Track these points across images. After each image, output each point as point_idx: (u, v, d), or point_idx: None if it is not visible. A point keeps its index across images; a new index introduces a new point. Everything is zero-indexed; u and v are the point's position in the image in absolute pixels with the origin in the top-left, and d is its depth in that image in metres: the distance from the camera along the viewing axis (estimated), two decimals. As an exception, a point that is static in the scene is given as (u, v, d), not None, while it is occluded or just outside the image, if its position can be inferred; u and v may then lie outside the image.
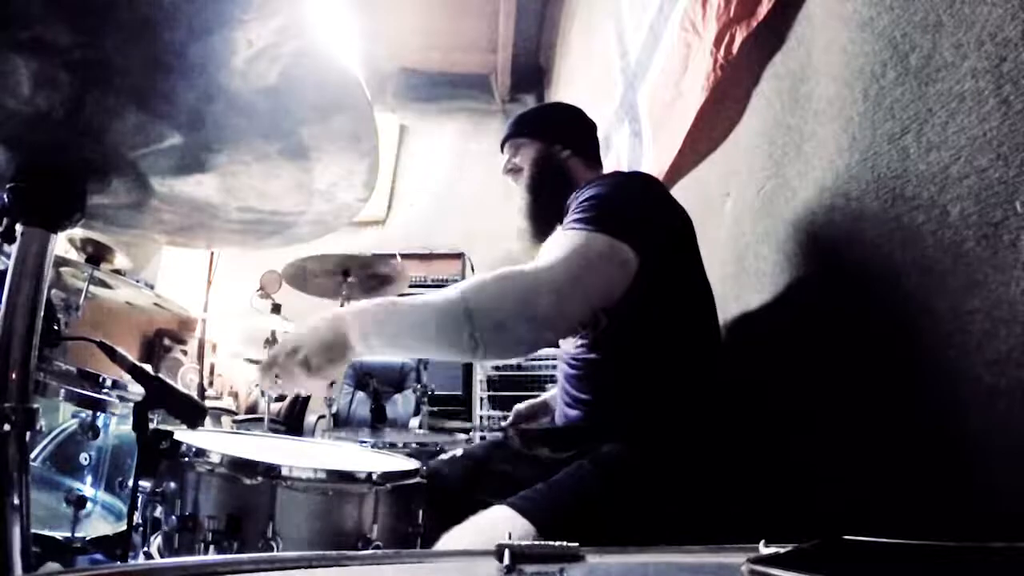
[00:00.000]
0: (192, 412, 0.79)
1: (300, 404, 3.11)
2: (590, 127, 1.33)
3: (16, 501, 0.53)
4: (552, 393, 1.48)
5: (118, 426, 1.39)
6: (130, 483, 1.28)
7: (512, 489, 0.90)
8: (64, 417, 1.32)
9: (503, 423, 1.38)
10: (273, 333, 2.47)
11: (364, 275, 2.38)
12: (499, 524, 0.81)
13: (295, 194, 0.69)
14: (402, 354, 0.89)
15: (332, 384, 0.96)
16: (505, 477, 1.10)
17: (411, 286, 3.66)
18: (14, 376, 0.55)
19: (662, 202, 1.10)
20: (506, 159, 1.28)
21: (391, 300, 0.92)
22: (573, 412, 1.11)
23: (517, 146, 1.27)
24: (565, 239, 0.95)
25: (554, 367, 1.23)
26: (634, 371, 1.03)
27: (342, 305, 2.44)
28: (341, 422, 2.92)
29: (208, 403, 3.30)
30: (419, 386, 2.26)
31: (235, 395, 4.04)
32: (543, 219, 1.21)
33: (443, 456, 1.24)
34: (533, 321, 0.88)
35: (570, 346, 1.13)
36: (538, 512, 0.82)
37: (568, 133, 1.27)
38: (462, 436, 1.89)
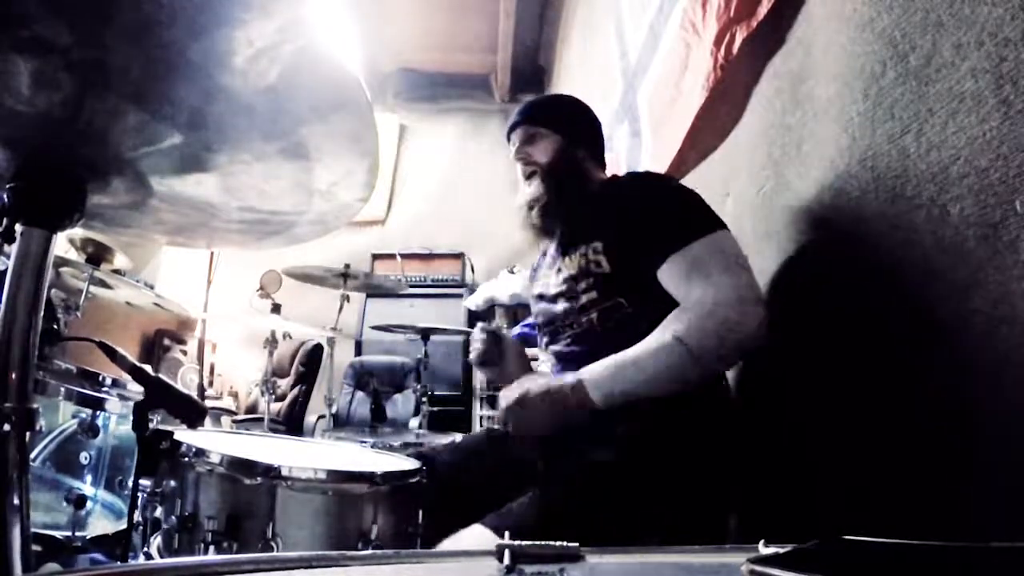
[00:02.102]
0: (192, 412, 0.79)
1: (300, 404, 3.12)
2: (599, 126, 1.33)
3: (16, 501, 0.53)
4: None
5: (118, 425, 1.39)
6: (130, 482, 1.28)
7: (509, 488, 0.90)
8: (64, 416, 1.32)
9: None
10: (273, 333, 2.47)
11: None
12: (476, 545, 0.81)
13: (295, 194, 0.69)
14: (631, 401, 0.98)
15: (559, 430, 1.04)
16: (501, 474, 1.10)
17: (411, 286, 3.67)
18: (14, 376, 0.55)
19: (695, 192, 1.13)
20: (518, 144, 1.25)
21: (617, 361, 0.98)
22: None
23: (532, 135, 1.24)
24: (704, 255, 0.99)
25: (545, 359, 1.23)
26: None
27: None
28: (341, 422, 2.92)
29: (208, 403, 3.31)
30: (419, 386, 2.27)
31: (235, 395, 4.04)
32: (556, 216, 1.21)
33: (441, 442, 1.24)
34: (746, 341, 0.96)
35: (566, 343, 1.13)
36: (515, 532, 0.82)
37: (586, 133, 1.27)
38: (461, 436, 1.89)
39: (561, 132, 1.23)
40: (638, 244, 1.04)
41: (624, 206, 1.09)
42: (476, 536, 0.83)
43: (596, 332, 1.08)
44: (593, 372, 0.99)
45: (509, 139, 1.28)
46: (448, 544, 0.83)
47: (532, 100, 1.31)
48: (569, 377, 1.00)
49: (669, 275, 1.01)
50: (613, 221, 1.09)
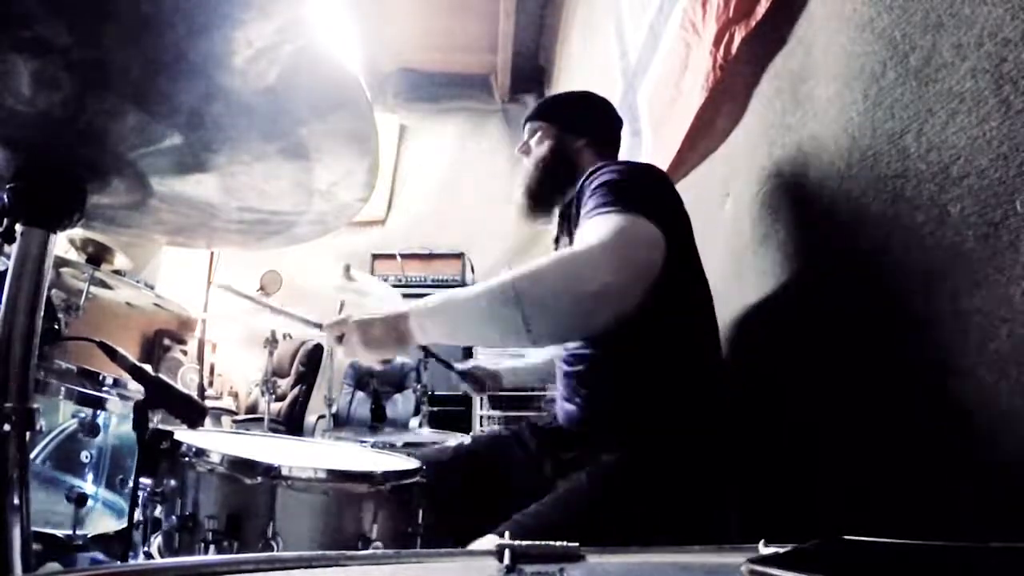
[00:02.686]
0: (192, 412, 0.79)
1: (300, 404, 3.12)
2: (612, 121, 1.34)
3: (16, 500, 0.53)
4: (510, 367, 1.49)
5: (118, 425, 1.39)
6: (131, 481, 1.28)
7: (509, 488, 0.90)
8: (64, 416, 1.32)
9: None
10: (273, 333, 2.47)
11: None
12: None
13: (295, 194, 0.69)
14: (461, 341, 0.99)
15: (389, 361, 1.05)
16: (503, 476, 1.10)
17: (411, 286, 3.67)
18: (14, 376, 0.55)
19: (672, 192, 1.11)
20: (524, 138, 1.31)
21: (448, 293, 0.97)
22: (572, 408, 1.11)
23: (536, 129, 1.29)
24: (603, 222, 0.93)
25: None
26: (632, 367, 1.03)
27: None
28: (341, 422, 2.92)
29: (208, 403, 3.31)
30: (419, 386, 2.27)
31: (235, 395, 4.04)
32: (542, 199, 1.26)
33: (442, 445, 1.24)
34: (583, 300, 0.87)
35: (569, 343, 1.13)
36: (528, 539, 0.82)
37: (585, 123, 1.28)
38: (461, 436, 1.89)
39: (557, 123, 1.27)
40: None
41: (583, 186, 1.07)
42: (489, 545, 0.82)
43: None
44: (421, 302, 0.96)
45: (524, 133, 1.33)
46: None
47: (544, 98, 1.38)
48: (400, 307, 0.99)
49: (576, 235, 0.98)
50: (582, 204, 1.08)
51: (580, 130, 1.26)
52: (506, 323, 0.87)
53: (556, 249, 1.23)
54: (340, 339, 1.02)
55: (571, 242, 1.11)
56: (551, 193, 1.24)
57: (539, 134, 1.28)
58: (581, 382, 1.10)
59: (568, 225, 1.17)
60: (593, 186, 1.02)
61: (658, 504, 0.92)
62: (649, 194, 1.02)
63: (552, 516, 0.88)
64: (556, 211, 1.27)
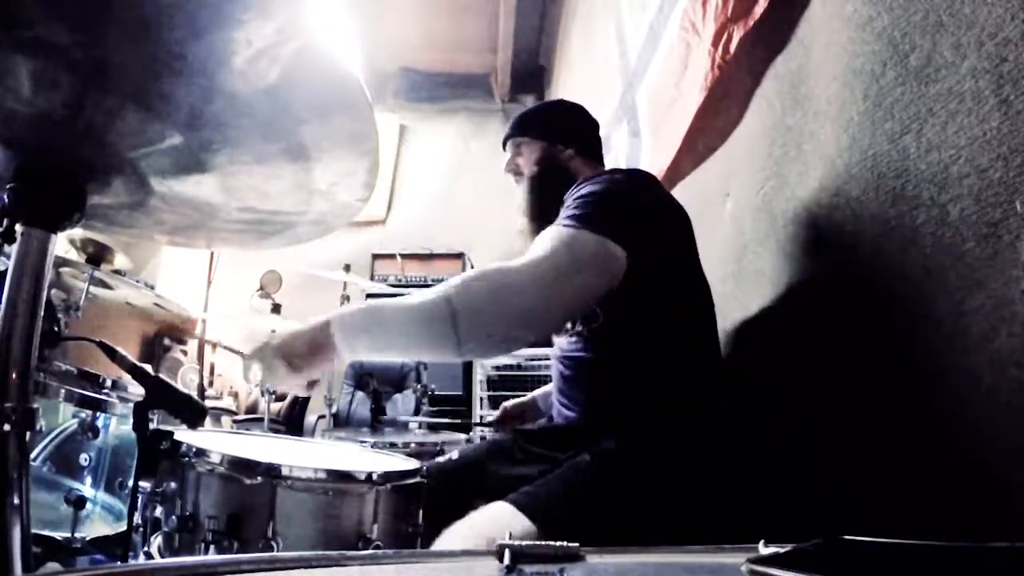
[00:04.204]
0: (192, 412, 0.79)
1: (300, 404, 3.11)
2: (592, 125, 1.33)
3: (16, 501, 0.53)
4: (542, 391, 1.49)
5: (118, 426, 1.39)
6: (130, 483, 1.28)
7: (510, 491, 0.90)
8: (64, 417, 1.32)
9: (492, 419, 1.40)
10: (273, 333, 2.47)
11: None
12: (498, 521, 0.82)
13: (295, 194, 0.69)
14: (388, 356, 0.91)
15: (314, 384, 0.96)
16: (503, 479, 1.10)
17: (411, 286, 3.67)
18: (14, 376, 0.55)
19: (658, 200, 1.10)
20: (508, 158, 1.28)
21: (376, 304, 0.92)
22: (569, 411, 1.11)
23: (518, 144, 1.26)
24: (552, 235, 0.94)
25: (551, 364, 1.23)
26: (629, 370, 1.03)
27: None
28: (341, 422, 2.92)
29: (208, 403, 3.30)
30: (419, 386, 2.27)
31: (235, 395, 4.04)
32: (544, 219, 1.20)
33: (440, 459, 1.24)
34: (515, 319, 0.87)
35: (565, 345, 1.13)
36: (537, 509, 0.83)
37: (570, 132, 1.27)
38: (461, 436, 1.89)
39: (543, 137, 1.25)
40: None
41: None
42: (497, 514, 0.83)
43: (584, 334, 1.08)
44: (345, 313, 0.91)
45: (505, 151, 1.30)
46: (474, 518, 0.82)
47: (521, 112, 1.33)
48: (321, 317, 0.92)
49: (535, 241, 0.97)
50: None
51: (567, 139, 1.25)
52: (438, 339, 0.85)
53: None
54: (255, 368, 0.91)
55: None
56: (551, 209, 1.18)
57: (524, 150, 1.25)
58: (579, 385, 1.10)
59: None
60: (572, 197, 1.01)
61: (657, 503, 0.92)
62: (623, 208, 0.99)
63: (558, 491, 0.88)
64: None
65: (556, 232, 0.94)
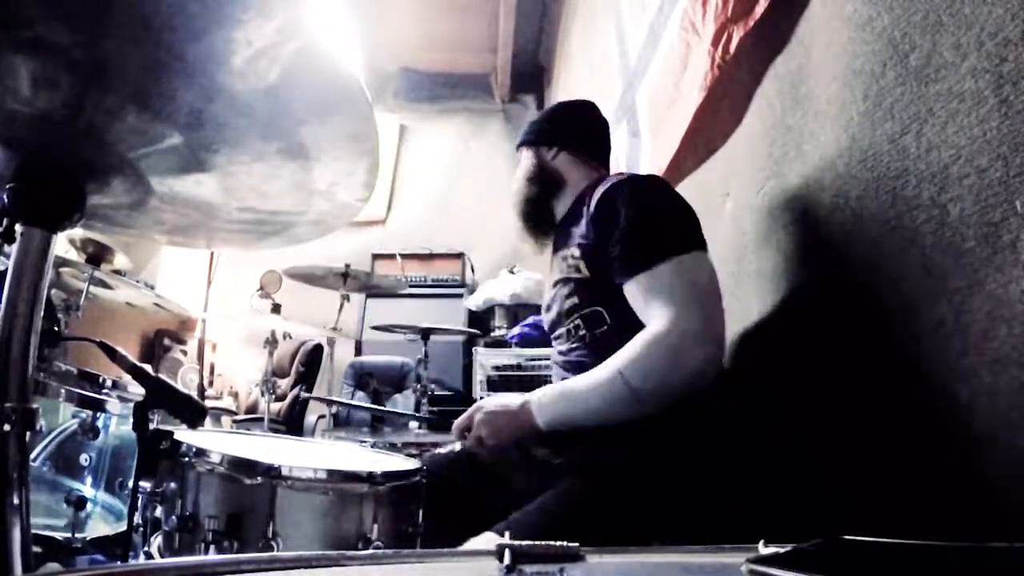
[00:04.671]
0: (192, 412, 0.79)
1: (300, 404, 3.11)
2: (590, 123, 1.33)
3: (16, 501, 0.53)
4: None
5: (118, 426, 1.38)
6: (130, 483, 1.28)
7: (509, 488, 0.90)
8: (64, 417, 1.32)
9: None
10: (273, 333, 2.47)
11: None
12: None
13: (295, 194, 0.69)
14: (577, 427, 1.00)
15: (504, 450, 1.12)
16: (504, 475, 1.10)
17: (411, 286, 3.67)
18: (14, 376, 0.55)
19: (681, 201, 1.11)
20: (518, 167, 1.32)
21: (563, 389, 1.02)
22: None
23: (519, 158, 1.31)
24: (665, 277, 0.97)
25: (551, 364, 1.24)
26: None
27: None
28: (341, 422, 2.92)
29: (208, 403, 3.30)
30: (419, 386, 2.27)
31: (235, 395, 4.04)
32: (533, 222, 1.28)
33: (442, 450, 1.24)
34: (690, 379, 0.94)
35: (564, 349, 1.13)
36: (525, 537, 0.82)
37: (557, 131, 1.28)
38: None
39: (531, 143, 1.29)
40: (608, 256, 1.03)
41: (597, 213, 1.07)
42: (487, 542, 0.83)
43: (586, 339, 1.08)
44: (540, 396, 1.02)
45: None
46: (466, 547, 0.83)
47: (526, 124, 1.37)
48: (518, 399, 1.04)
49: (632, 295, 1.01)
50: (589, 226, 1.09)
51: (551, 140, 1.27)
52: (623, 413, 0.95)
53: (552, 260, 1.22)
54: (466, 433, 1.08)
55: (566, 258, 1.12)
56: (542, 207, 1.25)
57: (523, 162, 1.30)
58: None
59: (565, 240, 1.16)
60: (617, 228, 1.02)
61: (657, 503, 0.92)
62: (676, 217, 1.06)
63: (552, 514, 0.89)
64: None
65: (658, 277, 0.97)
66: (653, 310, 0.96)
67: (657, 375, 0.93)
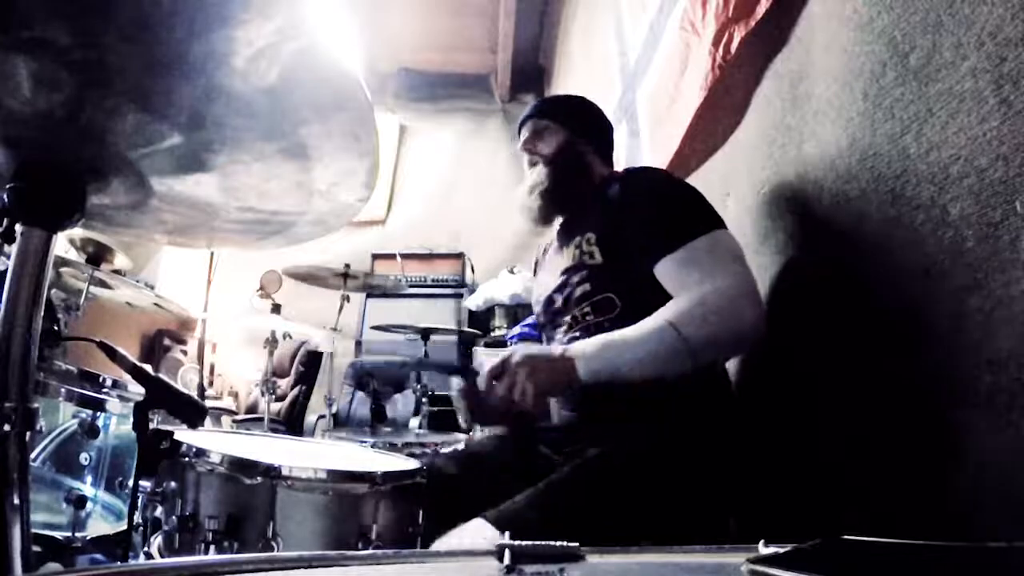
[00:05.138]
0: (192, 412, 0.79)
1: (300, 404, 3.12)
2: (609, 128, 1.35)
3: (16, 501, 0.53)
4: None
5: (118, 426, 1.38)
6: (130, 483, 1.28)
7: (509, 488, 0.90)
8: (64, 417, 1.32)
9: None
10: (273, 333, 2.47)
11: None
12: (475, 536, 0.81)
13: (295, 194, 0.69)
14: (622, 379, 0.96)
15: (543, 407, 1.02)
16: (506, 473, 1.10)
17: (411, 286, 3.67)
18: (14, 376, 0.55)
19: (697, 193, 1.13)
20: (526, 136, 1.28)
21: (607, 340, 0.97)
22: (569, 412, 1.11)
23: (541, 128, 1.27)
24: (703, 252, 1.00)
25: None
26: None
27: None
28: (341, 422, 2.92)
29: (208, 403, 3.30)
30: (419, 386, 2.26)
31: (235, 395, 4.04)
32: (556, 203, 1.24)
33: (446, 450, 1.24)
34: (743, 332, 0.96)
35: (566, 339, 1.13)
36: (511, 524, 0.82)
37: (593, 129, 1.30)
38: (461, 436, 1.89)
39: (568, 126, 1.26)
40: (634, 239, 1.04)
41: (621, 199, 1.10)
42: (475, 529, 0.83)
43: (591, 328, 1.08)
44: (582, 346, 0.98)
45: (520, 134, 1.30)
46: (449, 536, 0.83)
47: (547, 97, 1.35)
48: (557, 348, 0.99)
49: (667, 271, 1.01)
50: (609, 212, 1.10)
51: (589, 135, 1.27)
52: (673, 361, 0.94)
53: (559, 249, 1.22)
54: (499, 377, 0.97)
55: (579, 245, 1.11)
56: (566, 195, 1.22)
57: (547, 134, 1.25)
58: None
59: (576, 230, 1.16)
60: (645, 213, 1.05)
61: (657, 503, 0.92)
62: (694, 200, 1.08)
63: (548, 502, 0.89)
64: (560, 218, 1.26)
65: (698, 247, 1.00)
66: (693, 278, 0.98)
67: (710, 326, 0.93)
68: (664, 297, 1.01)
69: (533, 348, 1.03)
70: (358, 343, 3.76)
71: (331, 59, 0.53)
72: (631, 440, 0.96)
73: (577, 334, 1.10)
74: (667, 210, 1.05)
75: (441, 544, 0.82)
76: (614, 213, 1.09)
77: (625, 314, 1.04)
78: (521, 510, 0.87)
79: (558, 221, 1.27)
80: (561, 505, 0.89)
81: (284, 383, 3.19)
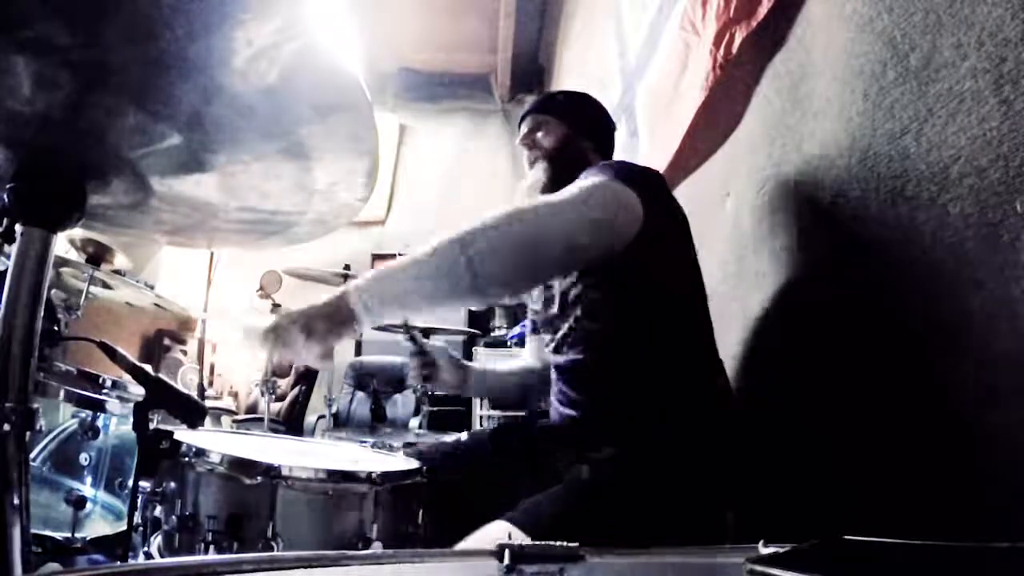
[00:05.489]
0: (192, 412, 0.79)
1: (300, 404, 3.11)
2: (611, 127, 1.34)
3: (16, 501, 0.53)
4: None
5: (118, 426, 1.38)
6: (130, 483, 1.28)
7: (509, 487, 0.90)
8: (64, 417, 1.32)
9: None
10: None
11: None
12: (498, 539, 0.81)
13: (295, 194, 0.69)
14: (406, 314, 0.92)
15: (331, 355, 0.89)
16: (503, 469, 1.10)
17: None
18: (14, 376, 0.55)
19: (668, 194, 1.11)
20: (526, 131, 1.27)
21: (387, 266, 0.90)
22: (569, 411, 1.11)
23: (541, 123, 1.26)
24: (580, 183, 0.96)
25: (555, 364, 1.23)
26: (627, 371, 1.03)
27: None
28: (341, 422, 2.92)
29: (208, 403, 3.30)
30: (419, 386, 2.26)
31: (235, 395, 4.04)
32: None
33: (446, 439, 1.24)
34: (544, 243, 0.86)
35: (560, 349, 1.13)
36: (536, 526, 0.82)
37: (592, 126, 1.29)
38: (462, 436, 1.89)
39: (567, 122, 1.25)
40: None
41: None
42: (500, 531, 0.82)
43: (584, 333, 1.08)
44: (360, 281, 0.88)
45: (520, 128, 1.30)
46: (471, 540, 0.81)
47: (550, 92, 1.34)
48: (338, 290, 0.88)
49: None
50: None
51: (588, 133, 1.26)
52: (451, 276, 0.84)
53: None
54: (272, 340, 0.85)
55: None
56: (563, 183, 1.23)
57: (548, 128, 1.25)
58: (576, 387, 1.10)
59: None
60: (587, 171, 1.03)
61: (657, 503, 0.92)
62: (640, 177, 1.02)
63: (556, 507, 0.88)
64: None
65: (585, 180, 0.96)
66: (557, 193, 0.95)
67: (498, 235, 0.84)
68: (645, 311, 1.00)
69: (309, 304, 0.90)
70: (358, 343, 3.76)
71: (331, 59, 0.53)
72: (636, 439, 0.96)
73: (564, 321, 1.10)
74: (596, 164, 1.03)
75: (464, 546, 0.82)
76: None
77: (602, 301, 1.04)
78: (545, 511, 0.86)
79: None
80: (586, 506, 0.89)
81: (284, 383, 3.19)
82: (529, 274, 0.88)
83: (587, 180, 0.97)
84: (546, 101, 1.31)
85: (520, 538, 0.80)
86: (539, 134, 1.25)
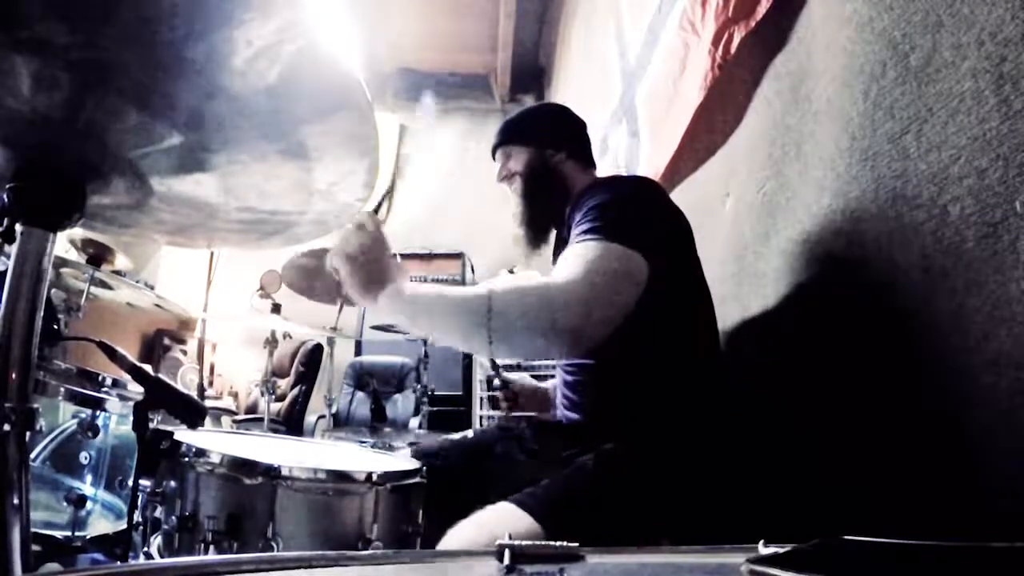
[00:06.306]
0: (192, 412, 0.79)
1: (300, 404, 3.11)
2: (579, 126, 1.30)
3: (16, 501, 0.53)
4: (553, 383, 1.47)
5: (118, 426, 1.39)
6: (130, 483, 1.28)
7: (512, 479, 0.90)
8: (64, 417, 1.32)
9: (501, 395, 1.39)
10: (273, 333, 2.47)
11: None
12: (503, 520, 0.82)
13: (295, 194, 0.69)
14: (426, 332, 1.03)
15: (339, 295, 1.03)
16: (506, 466, 1.10)
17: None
18: (14, 376, 0.55)
19: (663, 207, 1.10)
20: (499, 166, 1.26)
21: (440, 290, 1.00)
22: (573, 415, 1.11)
23: (508, 153, 1.25)
24: (581, 251, 0.96)
25: (555, 366, 1.23)
26: (633, 374, 1.03)
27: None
28: (341, 422, 2.92)
29: (208, 403, 3.31)
30: (419, 386, 2.27)
31: (235, 395, 4.04)
32: (539, 226, 1.23)
33: (451, 436, 1.24)
34: (552, 333, 0.91)
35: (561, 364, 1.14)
36: (541, 508, 0.83)
37: (558, 135, 1.25)
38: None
39: (532, 143, 1.23)
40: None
41: (578, 202, 1.08)
42: (505, 512, 0.84)
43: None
44: (418, 287, 0.99)
45: (495, 160, 1.29)
46: (473, 520, 0.84)
47: (505, 120, 1.31)
48: (401, 279, 0.98)
49: (561, 257, 1.00)
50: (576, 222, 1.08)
51: (556, 144, 1.23)
52: (472, 330, 0.92)
53: (554, 262, 1.22)
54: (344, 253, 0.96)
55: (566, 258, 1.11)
56: (547, 213, 1.21)
57: (515, 157, 1.23)
58: (582, 389, 1.10)
59: (562, 247, 1.15)
60: (583, 209, 1.02)
61: (661, 488, 0.92)
62: (637, 218, 1.01)
63: (560, 490, 0.89)
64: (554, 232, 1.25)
65: (584, 247, 0.96)
66: (560, 270, 0.96)
67: (518, 308, 0.91)
68: (650, 314, 0.99)
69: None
70: (358, 343, 3.76)
71: (331, 59, 0.53)
72: (640, 438, 0.96)
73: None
74: (595, 210, 1.01)
75: (466, 527, 0.82)
76: (575, 219, 1.06)
77: (621, 325, 1.03)
78: (549, 494, 0.87)
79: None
80: (589, 489, 0.89)
81: (284, 383, 3.20)
82: (541, 356, 0.99)
83: (592, 245, 0.95)
84: (506, 130, 1.28)
85: (524, 519, 0.81)
86: (510, 164, 1.24)
